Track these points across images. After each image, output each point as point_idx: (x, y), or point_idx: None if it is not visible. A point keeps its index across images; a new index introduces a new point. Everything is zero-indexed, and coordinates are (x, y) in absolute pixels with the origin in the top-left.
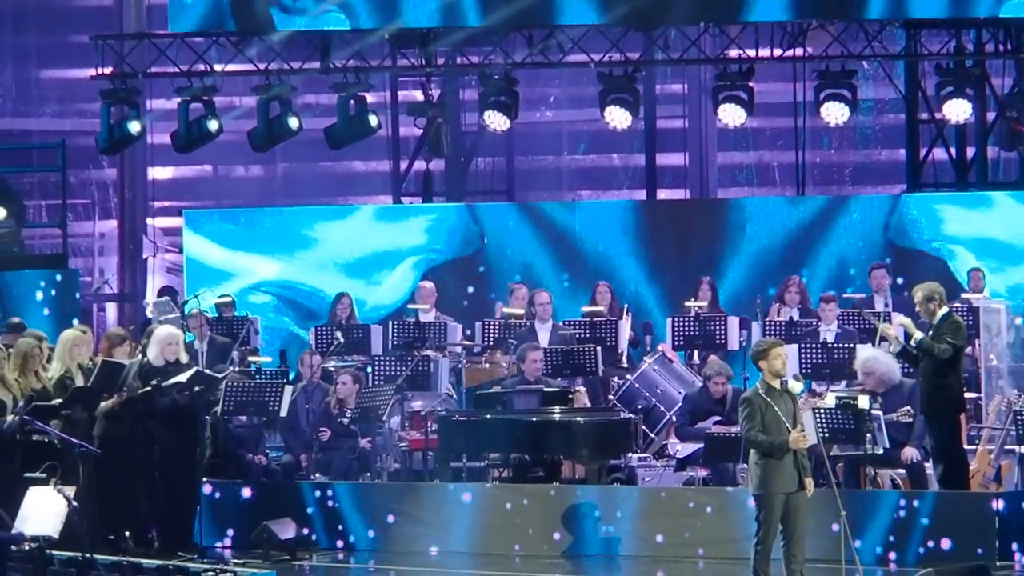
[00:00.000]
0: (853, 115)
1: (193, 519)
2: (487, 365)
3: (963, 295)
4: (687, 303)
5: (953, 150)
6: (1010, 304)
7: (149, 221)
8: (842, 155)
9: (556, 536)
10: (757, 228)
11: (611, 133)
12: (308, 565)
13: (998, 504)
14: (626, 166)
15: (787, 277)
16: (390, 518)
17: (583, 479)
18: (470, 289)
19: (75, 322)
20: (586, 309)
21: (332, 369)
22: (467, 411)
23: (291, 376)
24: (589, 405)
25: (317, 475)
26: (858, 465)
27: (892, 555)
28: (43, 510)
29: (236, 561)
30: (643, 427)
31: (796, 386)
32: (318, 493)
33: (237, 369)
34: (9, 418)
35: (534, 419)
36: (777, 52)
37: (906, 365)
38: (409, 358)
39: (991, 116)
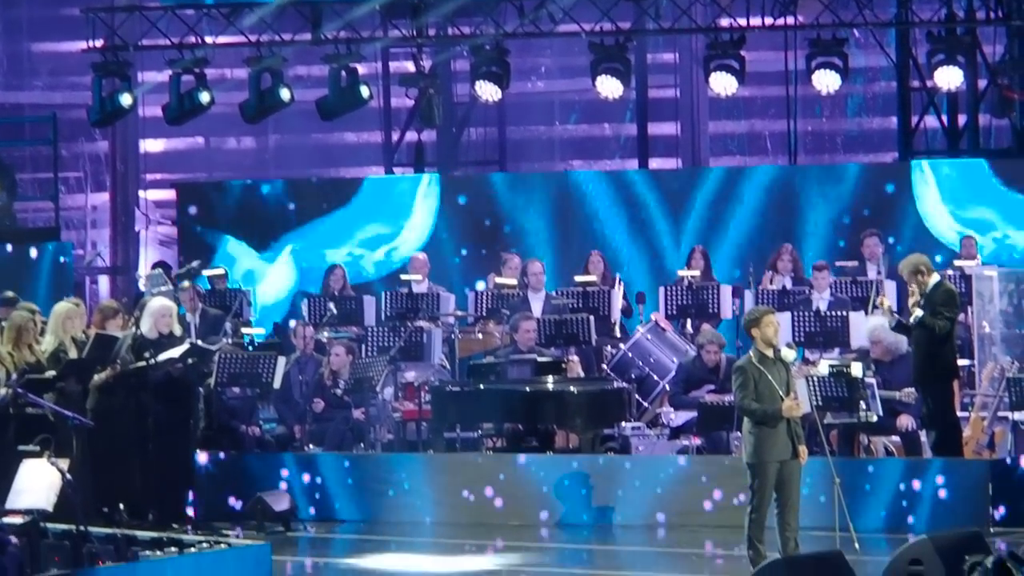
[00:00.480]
0: (844, 83)
1: (187, 491)
2: (480, 335)
3: (956, 262)
4: (680, 272)
5: (945, 118)
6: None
7: (141, 194)
8: (834, 123)
9: (550, 505)
10: (749, 197)
11: (602, 103)
12: (302, 536)
13: (992, 471)
14: (617, 135)
15: (779, 245)
16: (384, 489)
17: (577, 448)
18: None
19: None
20: (579, 279)
21: (325, 340)
22: (460, 381)
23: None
24: (582, 375)
25: (311, 446)
26: (852, 433)
27: (886, 522)
28: (37, 483)
29: (230, 533)
30: (636, 396)
31: (789, 354)
32: (312, 464)
33: (230, 341)
34: (2, 391)
35: (527, 389)
36: (768, 21)
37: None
38: (402, 329)
39: (982, 83)
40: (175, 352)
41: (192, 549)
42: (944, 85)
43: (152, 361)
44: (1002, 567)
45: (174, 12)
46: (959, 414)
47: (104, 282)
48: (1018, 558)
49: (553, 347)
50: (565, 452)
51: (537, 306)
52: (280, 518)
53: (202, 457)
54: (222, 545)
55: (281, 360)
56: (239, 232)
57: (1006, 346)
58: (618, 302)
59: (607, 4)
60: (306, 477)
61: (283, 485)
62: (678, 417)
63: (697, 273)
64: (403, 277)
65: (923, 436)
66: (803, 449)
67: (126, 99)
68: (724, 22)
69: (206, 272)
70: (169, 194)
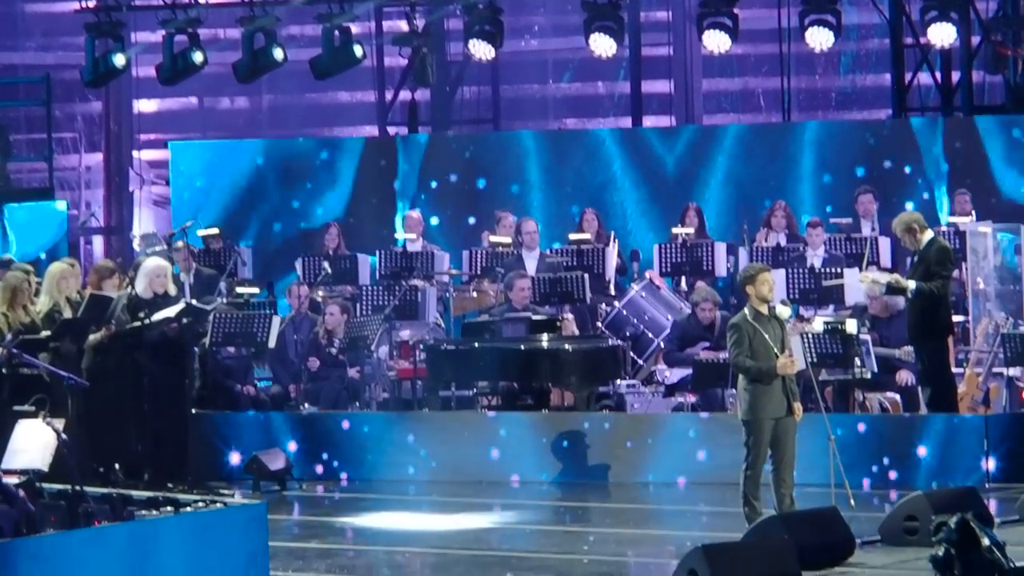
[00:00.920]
0: (838, 40)
1: (183, 450)
2: (475, 294)
3: (949, 219)
4: (674, 229)
5: (938, 74)
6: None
7: (135, 154)
8: (827, 81)
9: (545, 463)
10: (743, 154)
11: (596, 61)
12: (298, 495)
13: (987, 426)
14: (611, 94)
15: (773, 202)
16: (380, 448)
17: (572, 406)
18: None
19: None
20: (573, 236)
21: (320, 299)
22: (455, 340)
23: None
24: (577, 332)
25: (306, 405)
26: (847, 389)
27: (881, 479)
28: (32, 443)
29: (226, 492)
30: (631, 354)
31: (784, 311)
32: (307, 423)
33: (225, 301)
34: None
35: (522, 347)
36: None
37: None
38: (397, 288)
39: (976, 40)
40: (170, 312)
41: (188, 508)
42: (937, 42)
43: (147, 321)
44: (965, 527)
45: None
46: (954, 370)
47: (98, 242)
48: (983, 518)
49: (548, 305)
50: (560, 410)
51: (531, 264)
52: (276, 477)
53: (197, 417)
54: (218, 504)
55: (276, 319)
56: None
57: (1000, 302)
58: (613, 260)
59: None
60: (301, 436)
61: (278, 444)
62: (673, 374)
63: (691, 231)
64: (397, 236)
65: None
66: (798, 406)
67: (119, 59)
68: None
69: (200, 232)
70: (163, 154)
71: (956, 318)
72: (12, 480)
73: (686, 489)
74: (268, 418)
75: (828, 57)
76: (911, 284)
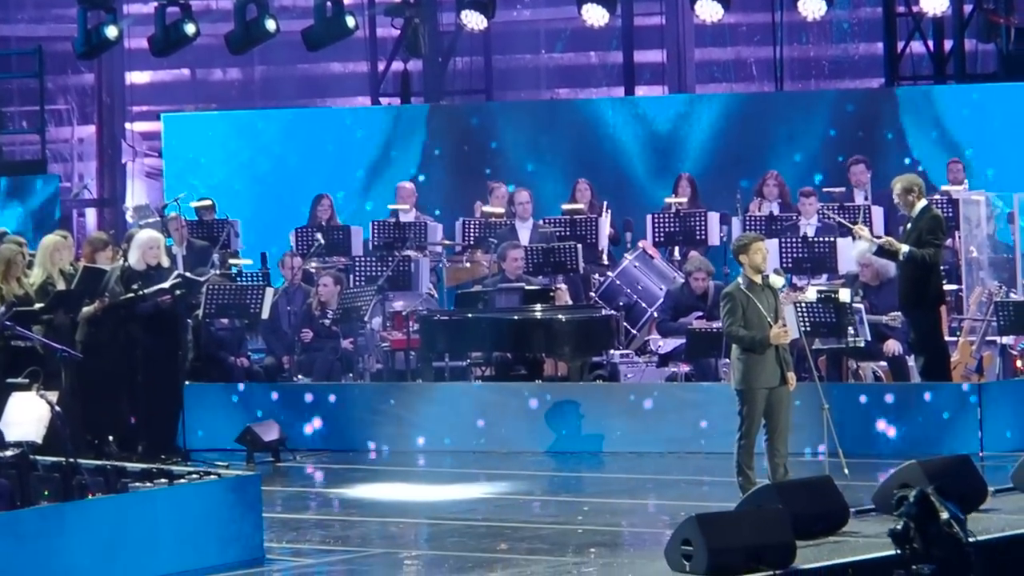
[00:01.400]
0: (830, 9)
1: (176, 422)
2: (468, 264)
3: (942, 187)
4: (667, 199)
5: (931, 43)
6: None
7: (127, 126)
8: (820, 49)
9: (539, 433)
10: (735, 123)
11: (588, 31)
12: (292, 467)
13: (980, 395)
14: (604, 63)
15: (765, 171)
16: (373, 419)
17: (565, 376)
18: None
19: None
20: (566, 207)
21: (313, 271)
22: (448, 311)
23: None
24: (570, 303)
25: (299, 376)
26: (840, 358)
27: (875, 447)
28: (26, 416)
29: (220, 464)
30: (625, 324)
31: (777, 280)
32: (301, 394)
33: (218, 272)
34: None
35: (515, 317)
36: None
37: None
38: (390, 258)
39: (968, 8)
40: (164, 284)
41: (182, 480)
42: (930, 10)
43: (141, 293)
44: (924, 501)
45: None
46: (947, 339)
47: (91, 214)
48: (943, 491)
49: (541, 275)
50: (553, 380)
51: (524, 235)
52: (269, 448)
53: (191, 388)
54: (211, 476)
55: (269, 291)
56: None
57: (993, 270)
58: (606, 230)
59: None
60: (295, 407)
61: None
62: (666, 344)
63: (684, 200)
64: (390, 207)
65: (910, 361)
66: (791, 375)
67: (111, 31)
68: None
69: (193, 203)
70: (156, 126)
71: (949, 287)
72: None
73: (680, 459)
74: (262, 389)
75: (820, 26)
76: (904, 248)
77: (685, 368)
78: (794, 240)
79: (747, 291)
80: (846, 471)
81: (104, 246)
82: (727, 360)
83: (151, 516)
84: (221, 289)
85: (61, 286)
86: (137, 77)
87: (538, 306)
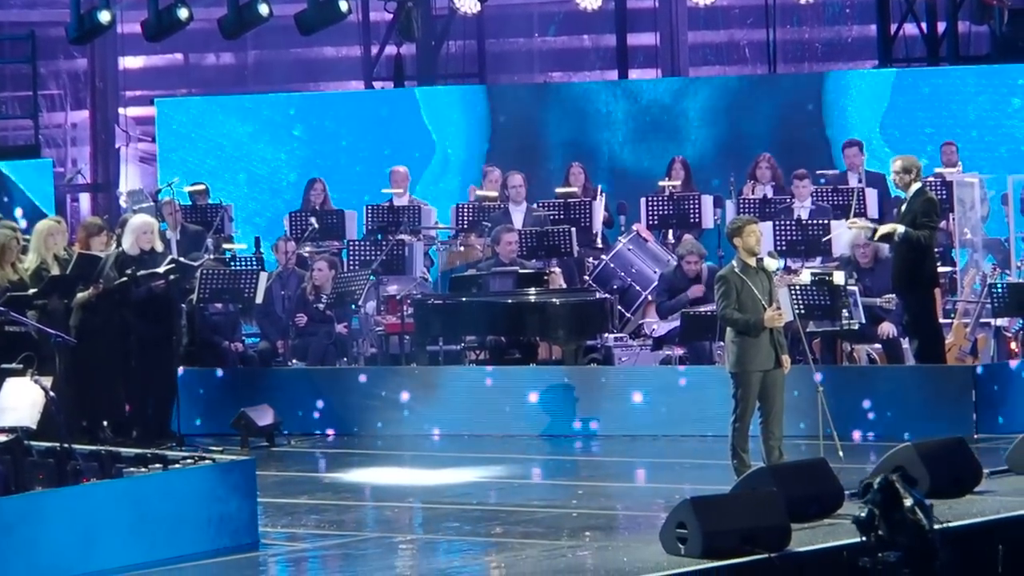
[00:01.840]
0: None
1: (171, 407)
2: (462, 248)
3: (936, 170)
4: (661, 182)
5: (924, 25)
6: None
7: (121, 111)
8: (813, 32)
9: (533, 417)
10: (729, 106)
11: (581, 14)
12: (286, 451)
13: (975, 377)
14: (597, 47)
15: (758, 154)
16: (367, 403)
17: (560, 360)
18: None
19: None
20: (560, 190)
21: (307, 255)
22: (442, 294)
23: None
24: (564, 286)
25: (294, 361)
26: (834, 341)
27: (869, 431)
28: (20, 401)
29: (214, 448)
30: (619, 307)
31: (772, 263)
32: (295, 378)
33: (212, 257)
34: None
35: (510, 301)
36: None
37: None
38: (384, 242)
39: None
40: (159, 268)
41: (176, 465)
42: None
43: (133, 272)
44: (889, 488)
45: None
46: (941, 321)
47: (85, 200)
48: (909, 478)
49: (535, 259)
50: (548, 364)
51: (518, 218)
52: (264, 433)
53: (185, 373)
54: (206, 461)
55: (263, 275)
56: None
57: (987, 252)
58: (599, 213)
59: None
60: (290, 391)
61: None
62: (661, 327)
63: (678, 183)
64: (384, 191)
65: (905, 343)
66: (786, 358)
67: (104, 16)
68: None
69: (187, 188)
70: (149, 110)
71: (943, 269)
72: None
73: (674, 442)
74: (256, 374)
75: (813, 8)
76: (900, 228)
77: (680, 351)
78: (788, 223)
79: (741, 274)
80: (841, 453)
81: (98, 231)
82: (721, 343)
83: (146, 501)
84: (215, 274)
85: (55, 271)
86: (130, 62)
87: (532, 290)
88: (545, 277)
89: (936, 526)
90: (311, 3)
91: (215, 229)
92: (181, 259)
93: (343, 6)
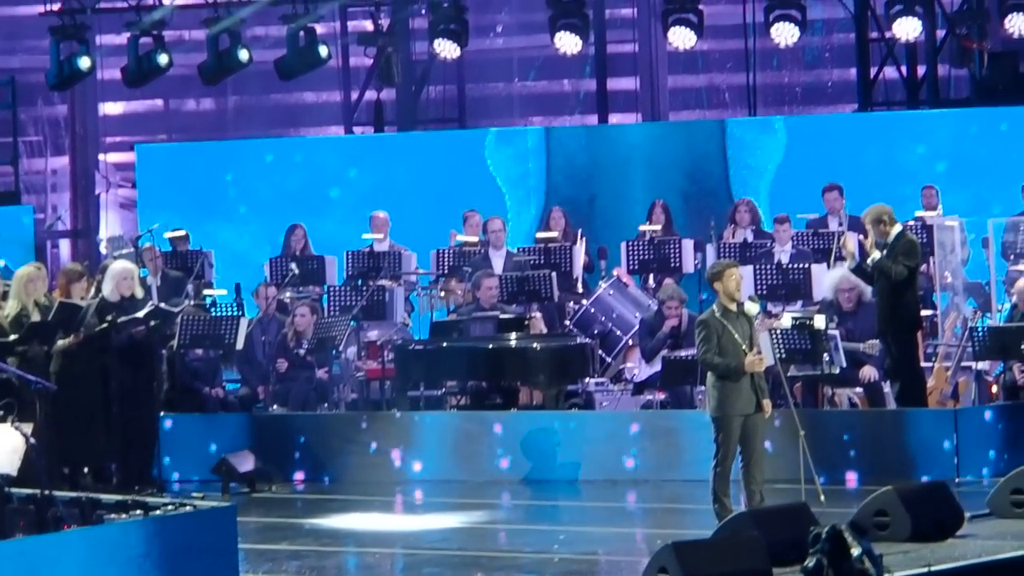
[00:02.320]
0: (803, 35)
1: (151, 454)
2: (442, 294)
3: (916, 213)
4: (641, 227)
5: (904, 68)
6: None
7: (101, 157)
8: (792, 76)
9: (515, 462)
10: (709, 150)
11: (561, 59)
12: (267, 497)
13: (956, 421)
14: (577, 91)
15: (738, 199)
16: (348, 448)
17: (541, 405)
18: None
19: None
20: (540, 235)
21: (288, 300)
22: (423, 340)
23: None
24: (545, 331)
25: (275, 407)
26: (816, 385)
27: (851, 474)
28: (0, 447)
29: (195, 495)
30: (600, 352)
31: (752, 307)
32: (276, 424)
33: (192, 303)
34: None
35: (490, 346)
36: None
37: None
38: (364, 288)
39: (941, 34)
40: (139, 313)
41: (157, 512)
42: (903, 36)
43: (113, 319)
44: (837, 537)
45: None
46: (922, 365)
47: (65, 246)
48: (858, 527)
49: (515, 304)
50: (529, 409)
51: (498, 263)
52: (245, 479)
53: (166, 420)
54: (187, 507)
55: (244, 321)
56: None
57: (968, 295)
58: (580, 258)
59: None
60: (271, 437)
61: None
62: (642, 372)
63: (658, 227)
64: (364, 236)
65: (886, 387)
66: (767, 402)
67: (84, 62)
68: None
69: (167, 234)
70: (129, 156)
71: (924, 312)
72: None
73: (656, 486)
74: (237, 420)
75: (793, 52)
76: (876, 253)
77: (661, 396)
78: (768, 267)
79: (722, 318)
80: (822, 498)
81: (78, 277)
82: (702, 387)
83: (127, 548)
84: (195, 320)
85: (35, 317)
86: (110, 108)
87: (513, 335)
88: (526, 322)
89: (883, 574)
90: (291, 48)
91: (195, 275)
92: (161, 305)
93: (323, 51)
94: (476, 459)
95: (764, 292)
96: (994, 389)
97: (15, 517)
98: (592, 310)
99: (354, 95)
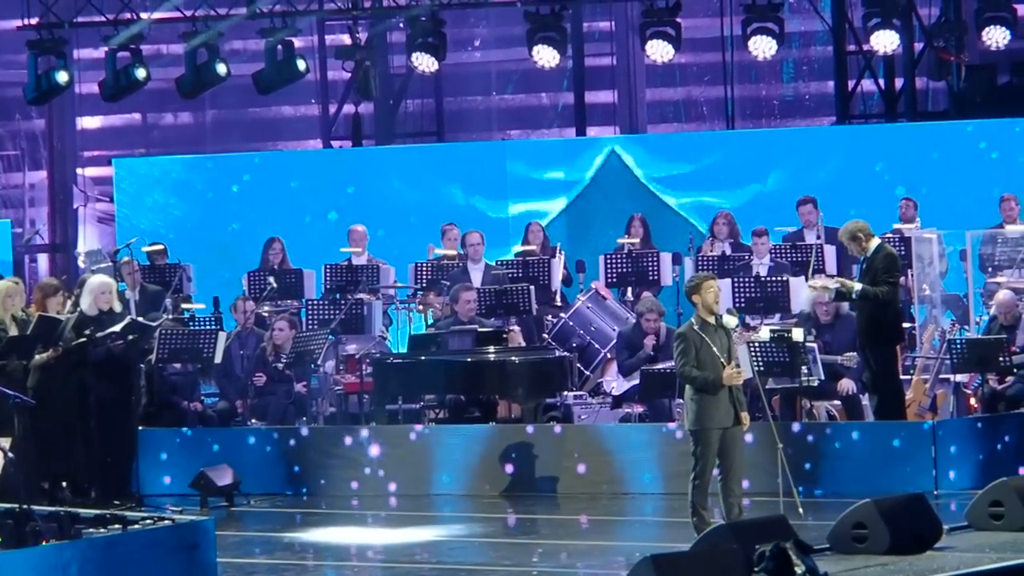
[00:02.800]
0: (780, 48)
1: (130, 468)
2: (420, 307)
3: (894, 226)
4: (619, 240)
5: (882, 81)
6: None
7: (79, 171)
8: (770, 89)
9: (493, 475)
10: (687, 163)
11: (539, 72)
12: (246, 511)
13: (935, 433)
14: (555, 104)
15: (716, 212)
16: (327, 462)
17: (519, 418)
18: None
19: None
20: (518, 248)
21: (266, 314)
22: (401, 353)
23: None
24: (523, 344)
25: (253, 421)
26: (794, 397)
27: (829, 487)
28: None
29: (174, 509)
30: (578, 365)
31: (731, 320)
32: (254, 438)
33: (171, 317)
34: None
35: (469, 359)
36: None
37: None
38: (342, 302)
39: (919, 46)
40: (116, 328)
41: (136, 526)
42: (880, 49)
43: (92, 333)
44: (781, 555)
45: None
46: (901, 377)
47: (43, 260)
48: (802, 545)
49: (493, 317)
50: (507, 422)
51: (477, 276)
52: (223, 493)
53: (144, 434)
54: (166, 521)
55: (222, 335)
56: None
57: (946, 308)
58: (558, 271)
59: None
60: (249, 451)
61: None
62: (620, 385)
63: (636, 241)
64: (342, 250)
65: (864, 399)
66: (745, 415)
67: (62, 76)
68: None
69: (145, 248)
70: (107, 171)
71: (903, 325)
72: None
73: (634, 500)
74: (215, 434)
75: (771, 65)
76: (856, 286)
77: (639, 409)
78: (747, 280)
79: (700, 331)
80: (800, 510)
81: (54, 292)
82: (680, 401)
83: (105, 562)
84: (174, 334)
85: (13, 332)
86: (88, 122)
87: (491, 348)
88: (504, 335)
89: None
90: (269, 62)
91: (174, 289)
92: (140, 319)
93: (301, 65)
94: (454, 472)
95: (743, 305)
96: (972, 401)
97: None
98: (570, 323)
99: (332, 109)
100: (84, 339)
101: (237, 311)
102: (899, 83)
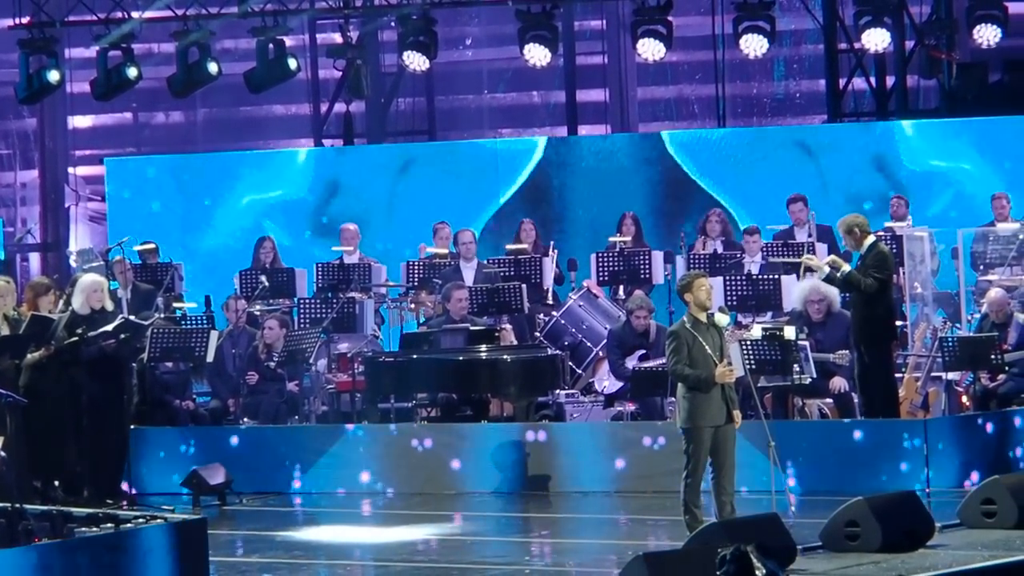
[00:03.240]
0: (771, 47)
1: (122, 466)
2: (412, 306)
3: (886, 223)
4: (611, 238)
5: (873, 79)
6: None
7: (70, 170)
8: (761, 87)
9: (485, 474)
10: (679, 162)
11: (531, 70)
12: (238, 510)
13: (927, 431)
14: (546, 103)
15: (708, 210)
16: (319, 461)
17: (511, 417)
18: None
19: None
20: (510, 247)
21: (258, 313)
22: (394, 352)
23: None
24: (515, 343)
25: (245, 419)
26: (786, 396)
27: (822, 485)
28: None
29: (166, 507)
30: (570, 363)
31: (722, 318)
32: (247, 437)
33: (162, 316)
34: None
35: (460, 358)
36: None
37: (844, 295)
38: (334, 300)
39: (910, 44)
40: (108, 327)
41: (128, 525)
42: (872, 47)
43: (83, 332)
44: (742, 558)
45: None
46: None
47: (35, 259)
48: (764, 549)
49: (485, 316)
50: (499, 420)
51: (469, 275)
52: (216, 492)
53: (136, 432)
54: (158, 520)
55: (214, 334)
56: None
57: (938, 306)
58: (550, 269)
59: None
60: (240, 450)
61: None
62: (612, 384)
63: (628, 239)
64: (334, 248)
65: (856, 397)
66: (737, 413)
67: (54, 75)
68: None
69: (137, 247)
70: (99, 170)
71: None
72: None
73: (627, 498)
74: (208, 432)
75: (762, 63)
76: (846, 267)
77: (631, 407)
78: (739, 278)
79: (692, 329)
80: (793, 508)
81: (46, 291)
82: (673, 399)
83: (97, 561)
84: (166, 332)
85: (5, 331)
86: (80, 121)
87: (483, 346)
88: (496, 334)
89: None
90: (260, 61)
91: (165, 288)
92: (131, 318)
93: (292, 64)
94: (446, 471)
95: (734, 303)
96: (964, 399)
97: None
98: (562, 322)
99: (323, 107)
100: (76, 338)
101: (229, 310)
102: (890, 81)
